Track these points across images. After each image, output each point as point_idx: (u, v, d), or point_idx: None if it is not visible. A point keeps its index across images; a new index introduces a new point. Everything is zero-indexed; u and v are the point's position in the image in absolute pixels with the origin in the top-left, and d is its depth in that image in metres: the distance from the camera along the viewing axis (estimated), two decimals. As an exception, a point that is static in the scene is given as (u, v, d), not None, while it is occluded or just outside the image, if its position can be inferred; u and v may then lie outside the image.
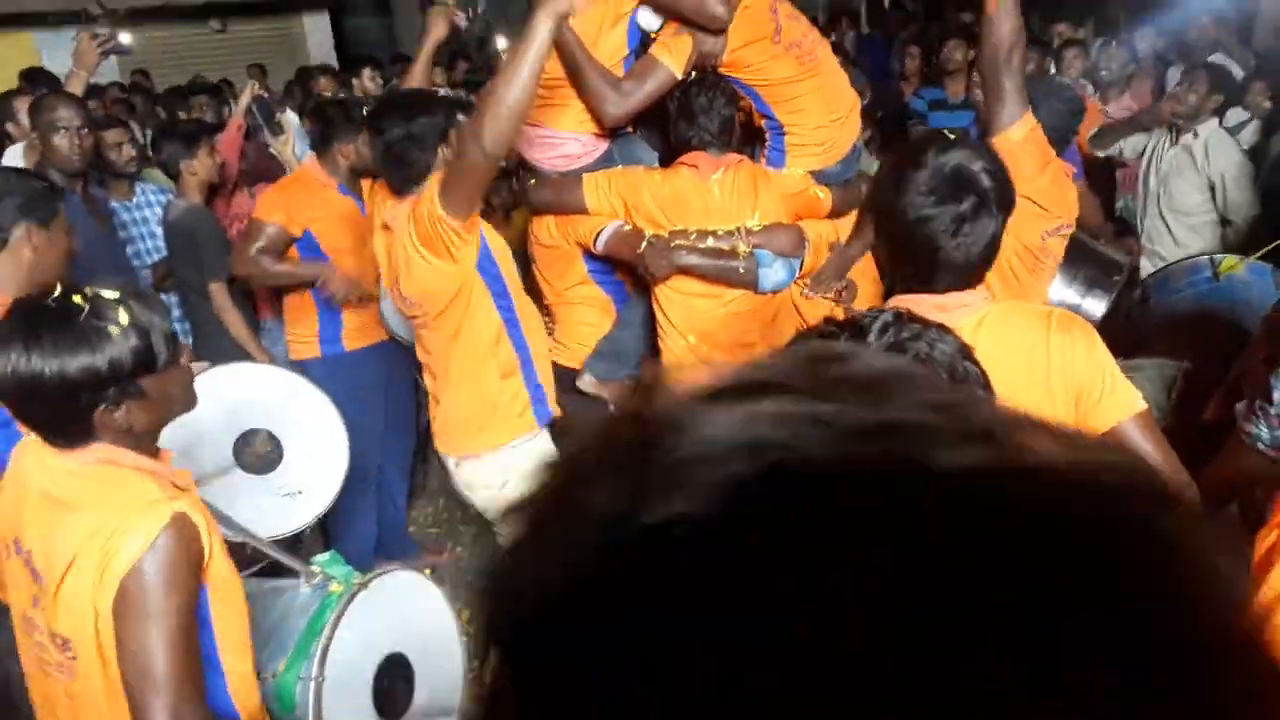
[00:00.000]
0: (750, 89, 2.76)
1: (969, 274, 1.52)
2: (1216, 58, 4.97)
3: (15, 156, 3.65)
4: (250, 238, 3.21)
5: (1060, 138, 2.86)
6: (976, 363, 1.07)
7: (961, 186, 1.46)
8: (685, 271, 2.69)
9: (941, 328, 1.08)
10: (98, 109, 4.65)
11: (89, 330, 1.45)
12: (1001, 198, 1.49)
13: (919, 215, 1.46)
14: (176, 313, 3.74)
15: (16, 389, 1.44)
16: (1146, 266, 4.13)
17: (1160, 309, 3.24)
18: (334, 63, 11.32)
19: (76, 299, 1.48)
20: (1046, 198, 2.35)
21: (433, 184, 2.33)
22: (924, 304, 1.49)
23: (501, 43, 3.98)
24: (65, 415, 1.47)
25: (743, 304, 2.72)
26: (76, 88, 3.54)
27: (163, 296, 3.72)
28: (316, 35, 12.14)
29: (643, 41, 2.77)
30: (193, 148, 3.47)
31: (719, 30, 2.63)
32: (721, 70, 2.74)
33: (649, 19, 2.73)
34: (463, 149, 2.23)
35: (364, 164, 3.24)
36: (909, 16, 8.86)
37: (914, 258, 1.52)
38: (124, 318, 1.49)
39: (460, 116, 2.52)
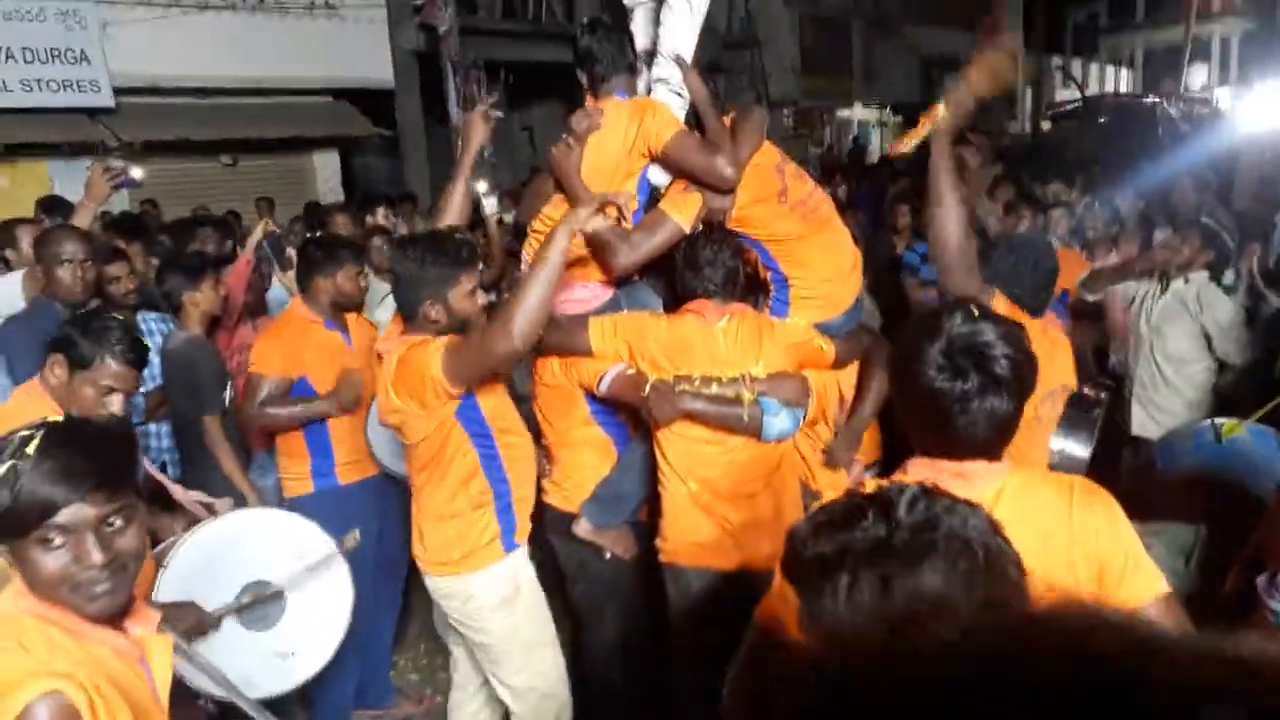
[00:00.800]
0: (756, 243, 2.82)
1: (985, 447, 1.50)
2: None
3: (14, 283, 3.67)
4: (253, 393, 3.26)
5: (1038, 296, 2.87)
6: (1007, 540, 1.04)
7: (973, 363, 1.45)
8: (689, 417, 2.68)
9: (969, 503, 1.05)
10: (103, 238, 4.72)
11: None
12: (1018, 379, 1.47)
13: (930, 387, 1.45)
14: (168, 442, 3.69)
15: None
16: (1140, 415, 4.15)
17: (1168, 474, 3.22)
18: (341, 198, 11.68)
19: None
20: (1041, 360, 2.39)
21: (437, 346, 2.39)
22: (943, 471, 1.47)
23: (489, 205, 4.07)
24: None
25: (746, 451, 2.70)
26: (85, 219, 3.61)
27: (153, 426, 3.68)
28: (325, 171, 12.52)
29: (652, 195, 2.85)
30: (196, 280, 3.51)
31: (728, 191, 2.71)
32: (729, 226, 2.80)
33: (659, 175, 2.82)
34: (491, 336, 2.31)
35: (345, 298, 3.40)
36: (897, 173, 9.20)
37: (929, 426, 1.50)
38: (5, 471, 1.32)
39: (480, 266, 2.58)
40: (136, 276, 3.94)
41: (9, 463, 1.30)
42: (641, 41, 2.93)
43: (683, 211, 2.73)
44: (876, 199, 8.74)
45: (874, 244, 5.39)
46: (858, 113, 20.66)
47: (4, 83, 9.20)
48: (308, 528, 2.66)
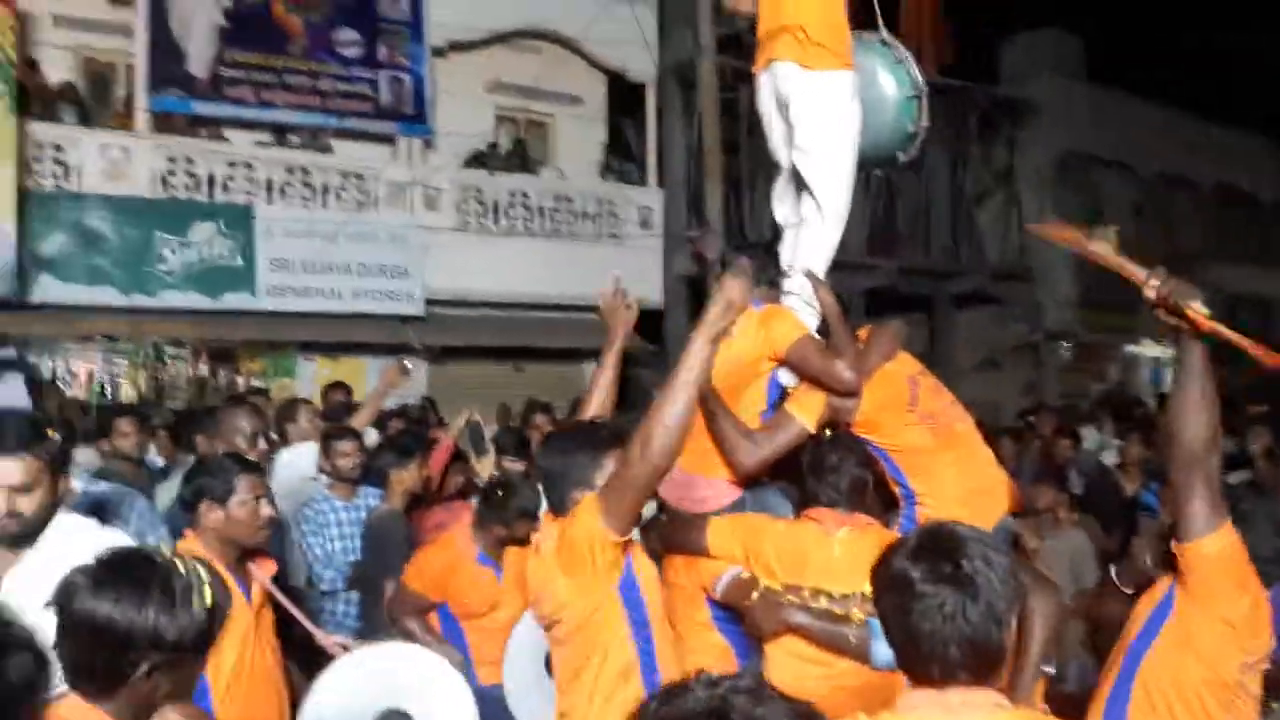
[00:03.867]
0: (883, 452, 2.74)
1: (968, 667, 1.36)
2: None
3: (304, 455, 4.35)
4: (400, 599, 3.59)
5: (1270, 569, 2.41)
6: None
7: (948, 570, 1.36)
8: (794, 631, 2.55)
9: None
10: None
11: (174, 593, 1.56)
12: (991, 591, 1.36)
13: (901, 595, 1.37)
14: (355, 610, 4.02)
15: (86, 629, 1.55)
16: None
17: None
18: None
19: (176, 563, 1.64)
20: (1248, 625, 2.09)
21: (588, 503, 2.34)
22: (930, 705, 1.36)
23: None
24: (109, 667, 1.54)
25: (851, 678, 2.50)
26: (370, 407, 4.34)
27: (342, 594, 4.05)
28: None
29: (782, 395, 2.88)
30: (405, 460, 3.92)
31: (848, 394, 2.69)
32: (855, 430, 2.75)
33: (788, 377, 2.86)
34: (628, 462, 2.25)
35: (517, 538, 3.51)
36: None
37: (905, 644, 1.40)
38: (208, 596, 1.60)
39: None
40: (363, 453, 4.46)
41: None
42: (786, 256, 3.07)
43: (807, 411, 2.73)
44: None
45: (1096, 489, 4.91)
46: (1149, 350, 19.20)
47: (339, 290, 11.04)
48: (440, 664, 2.80)
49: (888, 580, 1.43)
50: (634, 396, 12.97)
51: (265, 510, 2.76)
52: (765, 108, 3.09)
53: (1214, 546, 2.05)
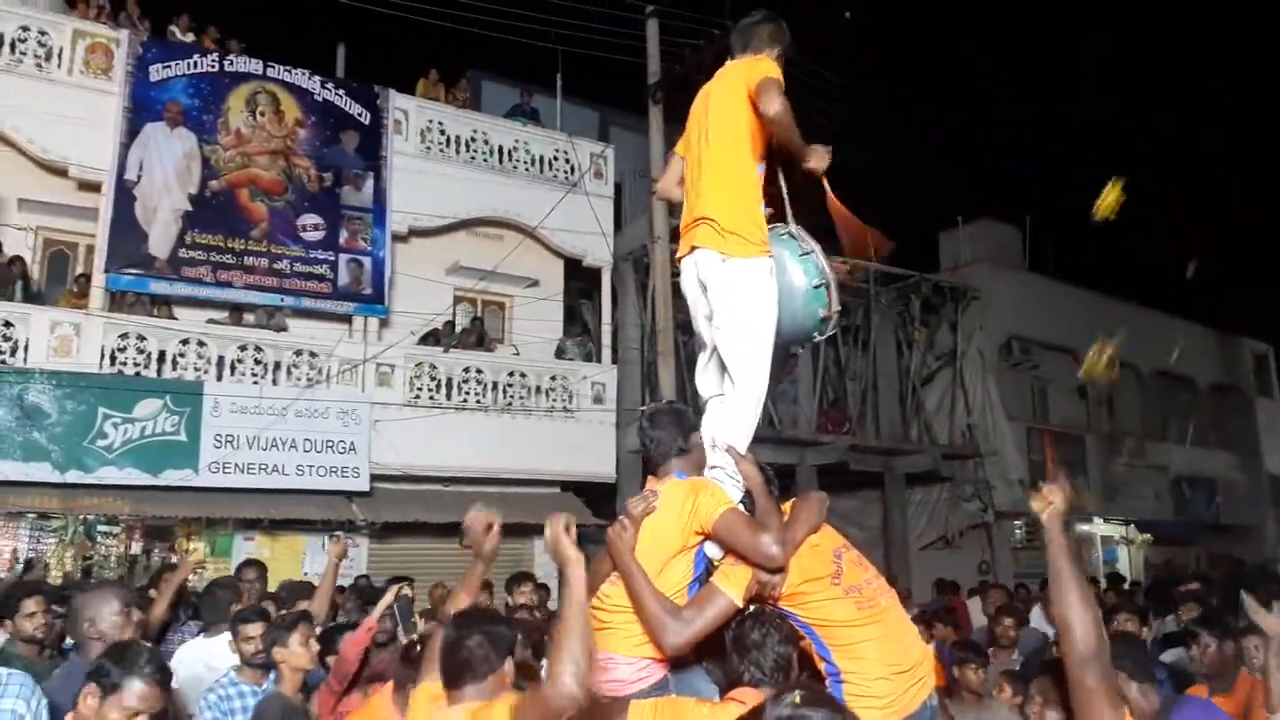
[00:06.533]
0: (808, 627, 2.68)
1: None
2: None
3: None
4: None
5: None
6: None
7: None
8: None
9: None
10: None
11: None
12: None
13: None
14: None
15: None
16: None
17: None
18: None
19: None
20: None
21: (502, 709, 2.39)
22: None
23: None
24: None
25: None
26: (325, 588, 4.67)
27: None
28: (544, 556, 13.20)
29: (708, 569, 2.84)
30: (283, 635, 3.72)
31: (775, 570, 2.66)
32: (780, 604, 2.70)
33: (714, 550, 2.82)
34: (545, 697, 2.32)
35: None
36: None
37: None
38: None
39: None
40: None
41: None
42: (710, 430, 3.10)
43: (735, 585, 2.68)
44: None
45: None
46: (1100, 528, 19.35)
47: (283, 466, 10.85)
48: None
49: None
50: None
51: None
52: (690, 290, 3.23)
53: None
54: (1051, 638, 5.68)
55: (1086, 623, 2.21)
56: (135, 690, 2.56)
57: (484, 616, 2.75)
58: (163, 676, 2.68)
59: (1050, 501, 2.47)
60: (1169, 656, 5.00)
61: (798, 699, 1.42)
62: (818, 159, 3.12)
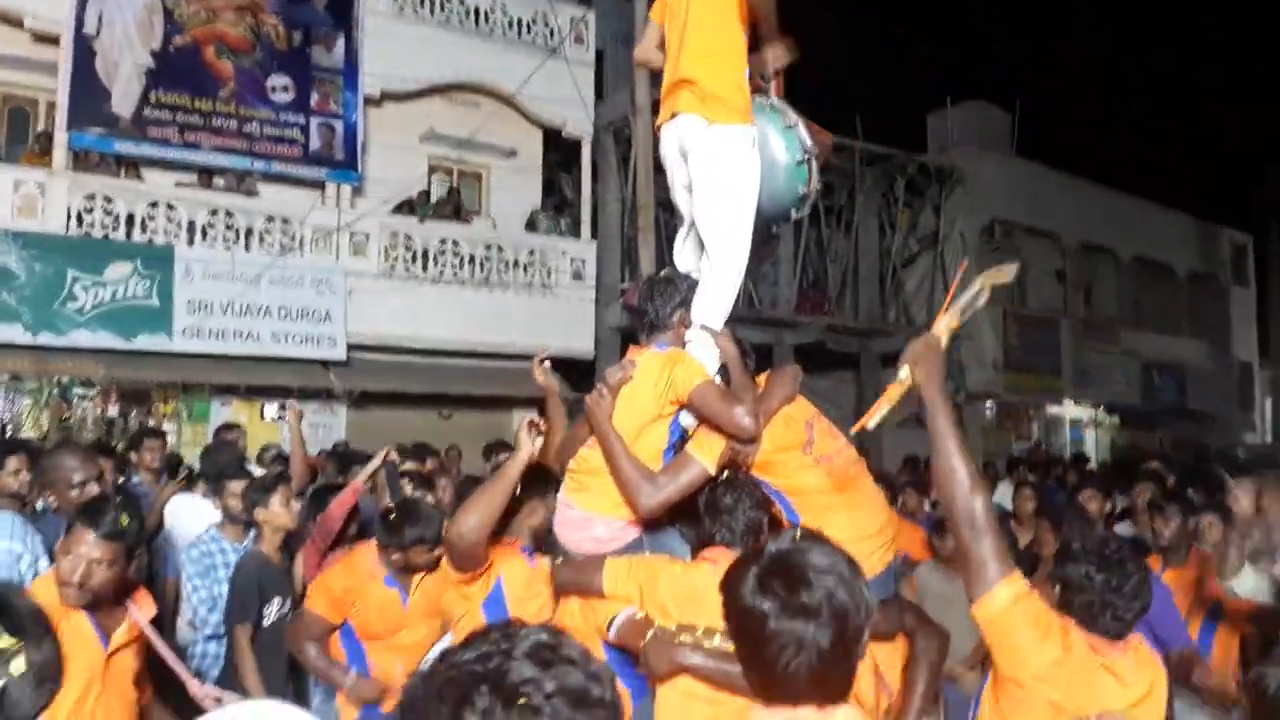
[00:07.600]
0: (779, 494, 2.73)
1: (820, 690, 1.34)
2: None
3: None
4: (296, 625, 3.49)
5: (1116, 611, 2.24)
6: None
7: (796, 602, 1.35)
8: (687, 671, 2.50)
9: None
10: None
11: None
12: (840, 617, 1.35)
13: (751, 629, 1.36)
14: (221, 650, 3.89)
15: None
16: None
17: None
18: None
19: None
20: (1057, 683, 2.04)
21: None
22: None
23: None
24: None
25: (741, 716, 2.46)
26: (297, 456, 4.90)
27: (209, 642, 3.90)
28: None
29: (683, 437, 2.87)
30: (264, 495, 3.79)
31: (748, 441, 2.69)
32: (753, 472, 2.75)
33: (689, 419, 2.84)
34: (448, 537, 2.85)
35: (415, 564, 3.46)
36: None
37: (758, 672, 1.38)
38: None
39: None
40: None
41: None
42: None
43: (708, 453, 2.71)
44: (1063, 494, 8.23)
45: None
46: (1070, 411, 19.80)
47: (258, 334, 10.79)
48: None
49: (737, 613, 1.40)
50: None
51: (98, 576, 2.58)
52: (670, 159, 3.15)
53: (1006, 593, 2.01)
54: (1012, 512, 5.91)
55: (964, 475, 2.11)
56: (90, 541, 2.56)
57: None
58: (125, 531, 2.67)
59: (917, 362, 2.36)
60: (1123, 529, 5.27)
61: (798, 535, 1.44)
62: (779, 53, 3.02)
